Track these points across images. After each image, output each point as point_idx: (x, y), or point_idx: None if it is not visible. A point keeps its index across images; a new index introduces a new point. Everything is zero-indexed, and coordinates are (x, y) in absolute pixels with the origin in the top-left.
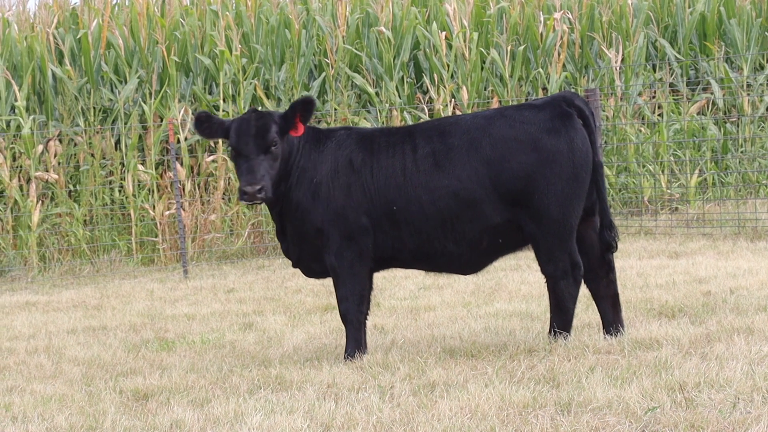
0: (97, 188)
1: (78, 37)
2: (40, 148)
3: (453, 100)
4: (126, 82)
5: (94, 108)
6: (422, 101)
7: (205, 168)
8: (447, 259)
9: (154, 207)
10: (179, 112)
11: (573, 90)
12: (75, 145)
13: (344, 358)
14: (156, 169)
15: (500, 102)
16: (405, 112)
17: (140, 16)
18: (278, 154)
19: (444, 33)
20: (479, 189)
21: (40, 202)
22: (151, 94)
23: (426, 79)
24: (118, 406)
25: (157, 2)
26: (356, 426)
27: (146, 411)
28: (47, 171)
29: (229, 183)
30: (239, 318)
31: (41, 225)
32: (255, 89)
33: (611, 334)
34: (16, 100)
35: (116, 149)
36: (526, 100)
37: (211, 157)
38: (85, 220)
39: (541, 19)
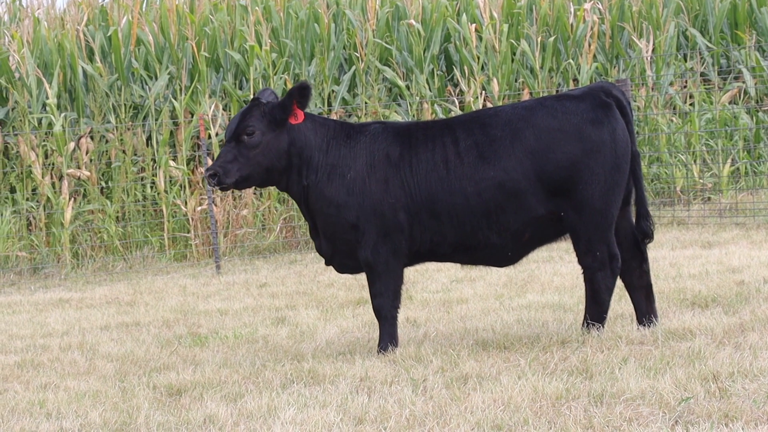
0: (128, 185)
1: (108, 34)
2: (72, 145)
3: (483, 92)
4: (156, 79)
5: (124, 104)
6: (453, 94)
7: None
8: (489, 251)
9: (185, 203)
10: (210, 108)
11: (606, 80)
12: (106, 141)
13: (378, 351)
14: (187, 164)
15: (531, 94)
16: (435, 105)
17: (170, 13)
18: (255, 142)
19: (474, 25)
20: (524, 180)
21: (73, 199)
22: (181, 90)
23: (456, 72)
24: (151, 401)
25: None
26: (389, 419)
27: (180, 406)
28: (79, 168)
29: None
30: (272, 313)
31: (74, 222)
32: (285, 84)
33: (645, 325)
34: (47, 98)
35: (147, 145)
36: (557, 91)
37: None
38: (117, 217)
39: (572, 9)
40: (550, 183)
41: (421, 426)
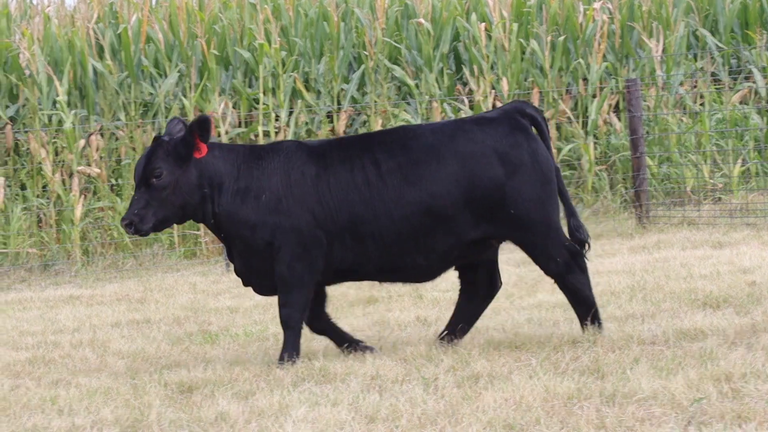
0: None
1: (118, 31)
2: (82, 142)
3: (493, 91)
4: (166, 76)
5: (134, 102)
6: (462, 92)
7: None
8: (414, 271)
9: None
10: (219, 106)
11: (521, 100)
12: (116, 139)
13: (278, 360)
14: None
15: (540, 93)
16: (445, 104)
17: (179, 11)
18: (164, 183)
19: (484, 24)
20: (451, 205)
21: (83, 196)
22: (191, 87)
23: (466, 71)
24: (163, 398)
25: None
26: (401, 418)
27: (191, 403)
28: (89, 165)
29: None
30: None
31: (84, 219)
32: (294, 82)
33: (444, 340)
34: (57, 95)
35: None
36: (567, 91)
37: None
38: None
39: (581, 9)
40: (478, 207)
41: (433, 425)
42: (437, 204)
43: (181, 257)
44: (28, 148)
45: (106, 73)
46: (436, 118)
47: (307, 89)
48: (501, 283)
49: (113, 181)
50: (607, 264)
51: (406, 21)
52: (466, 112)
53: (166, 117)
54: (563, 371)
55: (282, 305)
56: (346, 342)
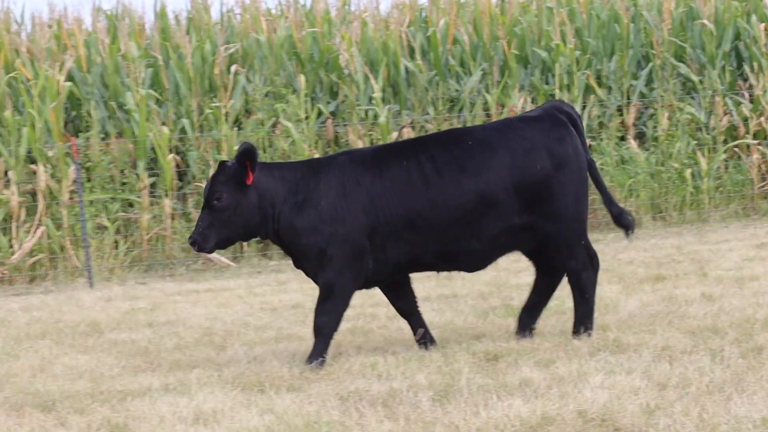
0: None
1: (427, 34)
2: (395, 134)
3: None
4: (471, 74)
5: (442, 98)
6: (742, 87)
7: None
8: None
9: None
10: (519, 101)
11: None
12: (426, 131)
13: (305, 363)
14: None
15: None
16: (727, 98)
17: (483, 15)
18: (224, 206)
19: (763, 24)
20: (503, 191)
21: None
22: (493, 84)
23: (746, 67)
24: (471, 366)
25: (498, 1)
26: (690, 385)
27: (497, 370)
28: None
29: None
30: None
31: None
32: (587, 79)
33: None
34: (373, 92)
35: None
36: None
37: None
38: None
39: None
40: (526, 196)
41: (721, 392)
42: (491, 190)
43: None
44: (347, 140)
45: (417, 71)
46: (719, 111)
47: (599, 85)
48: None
49: None
50: None
51: (690, 22)
52: (746, 106)
53: (471, 112)
54: None
55: (320, 313)
56: (421, 329)
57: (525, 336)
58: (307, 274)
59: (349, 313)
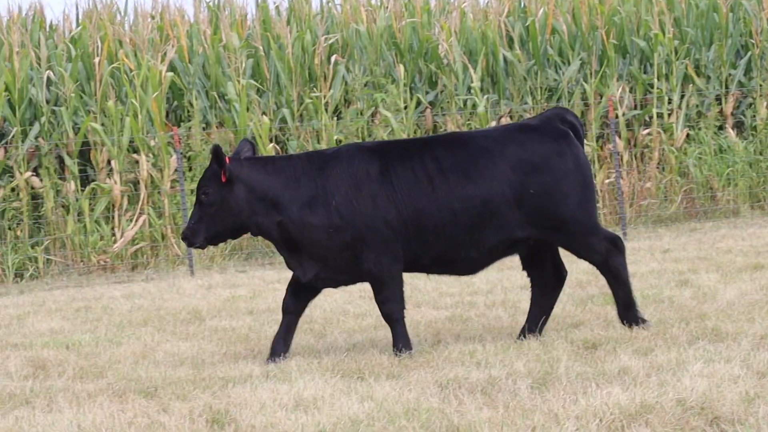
0: None
1: (526, 24)
2: (493, 124)
3: None
4: (569, 64)
5: (540, 87)
6: None
7: (641, 140)
8: (465, 264)
9: (595, 176)
10: (617, 90)
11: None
12: None
13: (394, 353)
14: (596, 141)
15: None
16: None
17: (582, 4)
18: (211, 201)
19: None
20: (504, 203)
21: None
22: (591, 74)
23: None
24: (569, 354)
25: None
26: None
27: (595, 358)
28: None
29: (663, 153)
30: (675, 276)
31: None
32: (686, 68)
33: (524, 337)
34: (471, 82)
35: None
36: None
37: (647, 131)
38: None
39: None
40: (528, 210)
41: None
42: (493, 201)
43: None
44: (445, 129)
45: (515, 61)
46: None
47: (698, 75)
48: (566, 271)
49: None
50: None
51: None
52: None
53: (569, 101)
54: None
55: (382, 302)
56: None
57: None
58: (303, 276)
59: (447, 301)
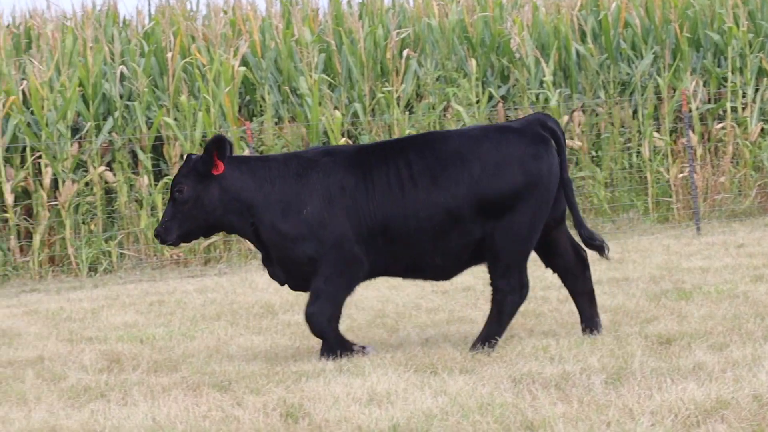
0: (616, 153)
1: (599, 18)
2: (566, 118)
3: None
4: (642, 58)
5: (613, 81)
6: None
7: (715, 134)
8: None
9: (668, 170)
10: (691, 84)
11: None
12: (596, 115)
13: (320, 358)
14: (670, 135)
15: None
16: None
17: None
18: (185, 198)
19: None
20: (467, 206)
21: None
22: (664, 67)
23: None
24: (644, 349)
25: None
26: None
27: (669, 354)
28: (572, 139)
29: (737, 148)
30: (750, 271)
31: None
32: (761, 62)
33: (589, 331)
34: (544, 76)
35: (633, 118)
36: None
37: (721, 125)
38: (606, 183)
39: None
40: (490, 210)
41: None
42: (456, 205)
43: (655, 222)
44: None
45: (588, 55)
46: None
47: None
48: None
49: (593, 153)
50: None
51: None
52: None
53: (642, 95)
54: None
55: (311, 314)
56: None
57: (593, 333)
58: (274, 276)
59: None
